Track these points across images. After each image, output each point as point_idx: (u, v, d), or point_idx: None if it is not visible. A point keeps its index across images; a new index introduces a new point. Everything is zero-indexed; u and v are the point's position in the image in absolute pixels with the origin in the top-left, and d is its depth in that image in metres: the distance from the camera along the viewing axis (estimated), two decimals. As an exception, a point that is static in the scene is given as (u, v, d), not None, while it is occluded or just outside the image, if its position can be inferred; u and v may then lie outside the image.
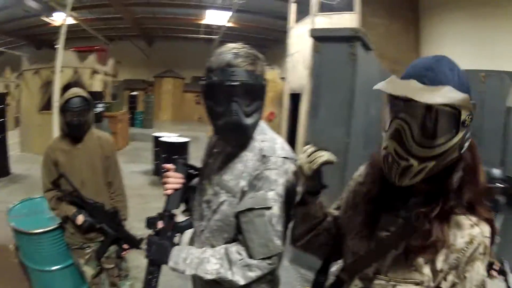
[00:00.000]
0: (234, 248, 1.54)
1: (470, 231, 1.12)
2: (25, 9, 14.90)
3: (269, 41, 20.42)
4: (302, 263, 4.58)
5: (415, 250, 1.15)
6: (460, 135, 1.07)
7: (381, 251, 1.23)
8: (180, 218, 1.76)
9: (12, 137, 11.58)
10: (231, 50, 1.52)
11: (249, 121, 1.54)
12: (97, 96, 11.56)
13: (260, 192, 1.50)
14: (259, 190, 1.51)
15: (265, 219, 1.47)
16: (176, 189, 1.73)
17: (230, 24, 17.41)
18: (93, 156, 3.07)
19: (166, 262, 1.59)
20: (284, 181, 1.52)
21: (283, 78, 11.98)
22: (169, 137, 9.06)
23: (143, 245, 2.16)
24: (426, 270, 1.14)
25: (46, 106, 11.84)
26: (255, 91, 1.55)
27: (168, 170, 1.79)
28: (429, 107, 1.05)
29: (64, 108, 2.88)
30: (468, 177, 1.15)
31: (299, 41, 8.72)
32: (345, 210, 1.49)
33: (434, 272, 1.14)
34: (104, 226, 2.88)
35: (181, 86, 24.23)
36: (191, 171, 1.85)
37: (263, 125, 1.69)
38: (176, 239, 1.67)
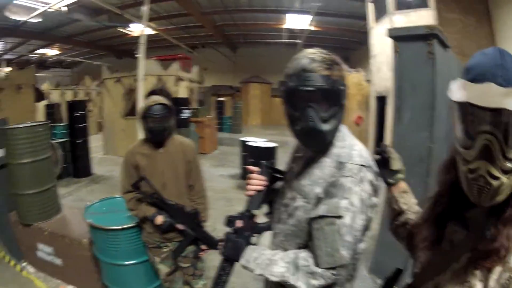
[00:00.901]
0: (303, 254, 1.54)
1: None
2: (98, 21, 15.83)
3: (353, 43, 20.10)
4: (380, 273, 4.50)
5: (477, 256, 1.09)
6: None
7: (443, 264, 1.20)
8: (261, 219, 1.82)
9: (95, 141, 12.64)
10: (307, 55, 1.54)
11: (326, 127, 1.53)
12: (183, 102, 12.23)
13: (333, 200, 1.48)
14: (332, 197, 1.49)
15: (335, 228, 1.45)
16: (258, 191, 1.78)
17: (312, 28, 17.34)
18: (175, 160, 3.21)
19: (238, 260, 1.65)
20: (359, 189, 1.47)
21: (368, 81, 11.78)
22: (256, 141, 9.17)
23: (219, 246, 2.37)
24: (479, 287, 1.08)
25: (130, 112, 12.68)
26: (331, 97, 1.53)
27: (252, 172, 1.83)
28: None
29: (146, 115, 3.05)
30: None
31: (381, 42, 8.54)
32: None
33: None
34: (183, 226, 3.02)
35: (268, 91, 24.38)
36: (276, 174, 1.88)
37: (344, 130, 1.68)
38: (253, 239, 1.73)
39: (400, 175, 1.65)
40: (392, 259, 3.67)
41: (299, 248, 1.62)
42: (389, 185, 1.65)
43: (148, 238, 3.28)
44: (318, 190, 1.55)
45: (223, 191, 8.54)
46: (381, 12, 9.16)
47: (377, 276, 4.51)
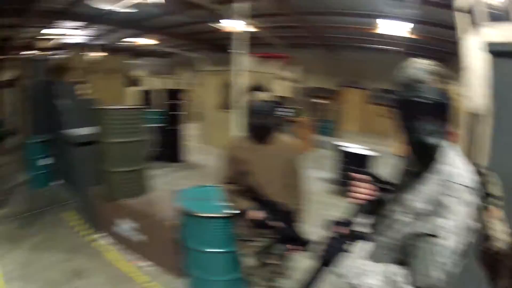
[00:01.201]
0: (396, 269, 1.54)
1: None
2: (193, 15, 16.18)
3: (447, 54, 19.27)
4: None
5: None
6: None
7: None
8: (361, 228, 1.83)
9: (190, 130, 13.01)
10: (420, 66, 1.54)
11: (434, 140, 1.52)
12: (281, 101, 12.44)
13: (437, 219, 1.45)
14: (436, 216, 1.46)
15: (433, 248, 1.43)
16: (363, 199, 1.82)
17: (408, 35, 16.93)
18: (276, 159, 3.24)
19: (331, 264, 1.67)
20: (464, 212, 1.44)
21: (460, 95, 11.34)
22: (354, 147, 8.98)
23: (310, 248, 2.50)
24: None
25: (226, 105, 12.90)
26: (441, 110, 1.52)
27: (361, 180, 1.87)
28: None
29: (251, 111, 3.14)
30: None
31: (474, 55, 8.24)
32: None
33: None
34: (277, 224, 2.95)
35: (365, 97, 23.66)
36: (382, 185, 1.88)
37: (452, 147, 1.63)
38: (349, 247, 1.72)
39: (495, 201, 1.61)
40: (467, 282, 3.51)
41: (394, 262, 1.61)
42: (482, 208, 1.59)
43: (240, 230, 3.38)
44: (422, 206, 1.53)
45: (314, 194, 8.41)
46: (472, 23, 8.81)
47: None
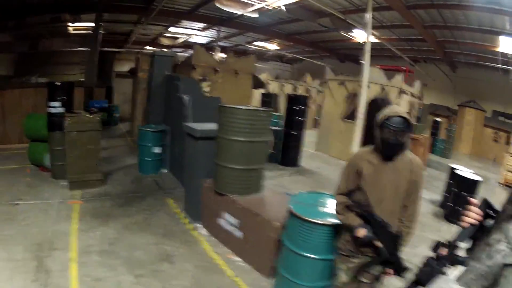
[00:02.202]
0: None
1: None
2: (320, 23, 16.22)
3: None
4: None
5: None
6: None
7: None
8: (462, 253, 1.79)
9: (308, 136, 13.19)
10: None
11: None
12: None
13: None
14: None
15: None
16: (471, 224, 1.77)
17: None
18: (400, 178, 3.06)
19: (426, 285, 1.67)
20: None
21: None
22: (466, 172, 8.71)
23: (406, 275, 2.54)
24: None
25: (350, 115, 13.08)
26: None
27: (472, 204, 1.81)
28: None
29: (383, 125, 2.91)
30: None
31: None
32: None
33: None
34: (381, 245, 2.90)
35: (482, 118, 22.36)
36: (490, 211, 1.81)
37: None
38: (447, 270, 1.72)
39: None
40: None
41: None
42: None
43: (343, 245, 3.29)
44: None
45: (419, 214, 8.22)
46: None
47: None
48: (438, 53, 19.37)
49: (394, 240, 2.88)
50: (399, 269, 2.84)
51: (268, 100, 18.43)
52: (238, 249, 5.43)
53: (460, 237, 1.77)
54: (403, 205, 3.15)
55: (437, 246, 1.79)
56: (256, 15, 14.03)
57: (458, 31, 15.80)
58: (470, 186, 7.95)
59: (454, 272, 1.74)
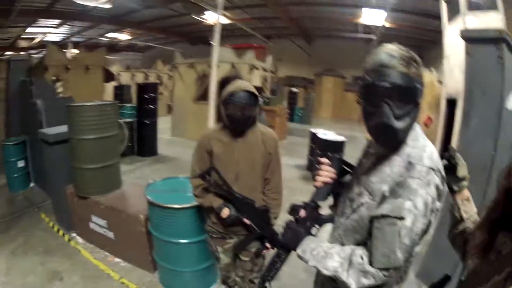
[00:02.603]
0: (359, 251, 1.53)
1: None
2: (172, 8, 16.18)
3: (426, 42, 19.46)
4: (426, 278, 4.31)
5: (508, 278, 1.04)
6: None
7: (486, 274, 1.15)
8: (325, 211, 1.81)
9: (163, 123, 13.02)
10: (386, 51, 1.50)
11: (399, 124, 1.50)
12: (258, 90, 12.34)
13: (397, 200, 1.44)
14: (397, 197, 1.45)
15: (395, 229, 1.41)
16: (326, 183, 1.79)
17: (387, 24, 17.02)
18: (254, 152, 2.98)
19: (295, 248, 1.67)
20: (424, 192, 1.42)
21: (440, 82, 11.39)
22: (326, 134, 9.01)
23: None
24: None
25: (202, 97, 12.93)
26: (408, 94, 1.49)
27: (322, 163, 1.85)
28: None
29: (227, 101, 2.80)
30: None
31: (454, 43, 8.21)
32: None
33: None
34: (249, 222, 2.78)
35: (342, 85, 24.03)
36: (346, 168, 1.87)
37: (418, 130, 1.64)
38: (314, 231, 1.74)
39: (465, 183, 1.60)
40: (442, 265, 3.57)
41: (357, 244, 1.62)
42: (453, 192, 1.59)
43: (212, 228, 3.12)
44: (385, 188, 1.52)
45: (287, 181, 8.40)
46: (454, 12, 8.81)
47: (423, 282, 4.38)
48: (293, 29, 20.28)
49: (261, 215, 2.77)
50: (277, 242, 2.54)
51: (121, 92, 18.05)
52: (115, 250, 5.19)
53: (317, 197, 1.78)
54: (264, 179, 3.08)
55: (293, 209, 1.78)
56: (109, 5, 13.70)
57: (315, 6, 16.31)
58: (332, 146, 8.26)
59: (325, 230, 1.79)
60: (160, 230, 4.00)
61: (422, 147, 1.54)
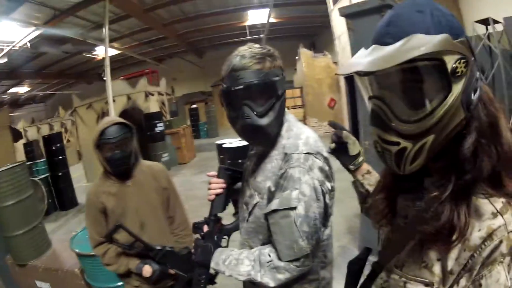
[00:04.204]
0: (266, 250, 1.56)
1: (490, 223, 0.88)
2: (64, 50, 15.87)
3: (317, 28, 20.14)
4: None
5: (425, 237, 0.96)
6: (456, 89, 0.85)
7: (399, 241, 1.08)
8: (230, 221, 1.86)
9: (77, 171, 12.82)
10: (237, 54, 1.56)
11: (264, 121, 1.53)
12: (155, 117, 12.52)
13: (284, 192, 1.48)
14: (284, 190, 1.49)
15: (290, 220, 1.44)
16: (217, 194, 1.81)
17: (273, 20, 17.36)
18: (148, 191, 2.68)
19: (209, 264, 1.66)
20: (308, 178, 1.47)
21: (336, 63, 11.88)
22: (231, 143, 8.80)
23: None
24: (437, 269, 0.95)
25: None
26: (265, 90, 1.53)
27: (209, 176, 1.88)
28: (400, 72, 0.89)
29: (100, 142, 2.47)
30: (485, 140, 0.90)
31: (342, 22, 8.62)
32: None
33: (445, 272, 0.94)
34: (175, 271, 2.39)
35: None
36: (235, 174, 1.89)
37: (291, 119, 1.68)
38: (223, 242, 1.77)
39: (360, 159, 1.52)
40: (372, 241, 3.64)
41: (263, 244, 1.64)
42: (351, 171, 1.52)
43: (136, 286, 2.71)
44: (270, 184, 1.57)
45: (205, 198, 8.44)
46: None
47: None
48: (182, 45, 20.30)
49: (186, 259, 2.35)
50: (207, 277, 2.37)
51: (31, 148, 17.16)
52: None
53: (214, 210, 1.80)
54: (168, 217, 2.81)
55: (196, 227, 1.79)
56: (4, 59, 13.28)
57: (200, 19, 16.43)
58: (239, 153, 7.86)
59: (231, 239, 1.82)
60: (96, 278, 3.94)
61: (296, 136, 1.59)
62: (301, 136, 1.59)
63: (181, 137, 13.58)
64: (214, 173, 1.89)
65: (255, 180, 1.67)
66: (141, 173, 2.68)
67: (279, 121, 1.61)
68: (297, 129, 1.64)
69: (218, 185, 1.82)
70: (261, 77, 1.50)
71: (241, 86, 1.49)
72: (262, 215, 1.58)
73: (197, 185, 9.99)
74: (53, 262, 5.02)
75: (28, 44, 12.58)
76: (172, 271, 2.45)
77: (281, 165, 1.55)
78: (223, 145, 8.84)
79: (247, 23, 18.09)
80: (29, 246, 5.18)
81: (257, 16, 17.02)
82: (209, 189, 1.83)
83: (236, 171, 1.91)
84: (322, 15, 15.11)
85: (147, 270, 2.47)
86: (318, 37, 21.35)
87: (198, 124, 20.44)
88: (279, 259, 1.49)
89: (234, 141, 8.99)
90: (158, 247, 2.43)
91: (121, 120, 2.53)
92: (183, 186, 9.75)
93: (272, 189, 1.55)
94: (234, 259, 1.61)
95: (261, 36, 18.97)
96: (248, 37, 19.95)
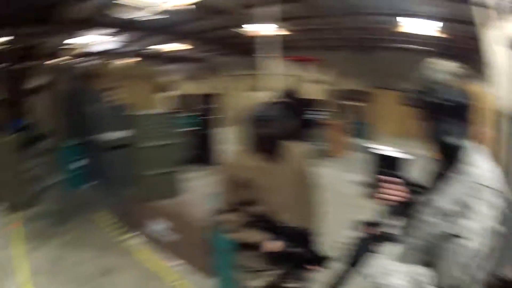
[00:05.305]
0: (423, 270, 1.54)
1: None
2: (227, 19, 16.37)
3: (467, 51, 18.88)
4: None
5: None
6: None
7: None
8: (390, 230, 1.84)
9: (228, 133, 13.04)
10: (439, 67, 1.58)
11: (456, 141, 1.55)
12: (316, 104, 12.63)
13: (461, 220, 1.45)
14: (462, 218, 1.46)
15: (459, 249, 1.43)
16: (394, 201, 1.84)
17: (436, 34, 16.63)
18: (291, 172, 2.72)
19: (357, 264, 1.70)
20: (488, 213, 1.44)
21: (490, 93, 11.31)
22: (387, 150, 8.57)
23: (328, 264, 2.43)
24: None
25: None
26: (462, 111, 1.54)
27: (393, 182, 1.90)
28: None
29: (257, 117, 2.52)
30: None
31: (496, 50, 8.10)
32: None
33: None
34: (295, 249, 2.51)
35: (398, 99, 22.26)
36: (414, 188, 1.88)
37: (477, 147, 1.64)
38: (380, 248, 1.76)
39: None
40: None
41: (420, 263, 1.62)
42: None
43: (250, 263, 2.82)
44: (448, 207, 1.53)
45: (350, 197, 8.35)
46: (494, 18, 8.66)
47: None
48: (348, 40, 20.04)
49: (307, 239, 2.56)
50: (319, 262, 2.55)
51: (180, 101, 18.13)
52: (174, 253, 5.40)
53: (388, 215, 1.83)
54: (301, 201, 2.84)
55: (361, 225, 1.83)
56: (164, 15, 13.94)
57: (367, 16, 16.24)
58: (396, 163, 8.01)
59: (390, 249, 1.78)
60: (223, 238, 3.86)
61: (484, 167, 1.55)
62: (491, 169, 1.55)
63: (336, 131, 13.35)
64: (398, 179, 1.91)
65: (434, 199, 1.63)
66: (288, 153, 2.71)
67: (469, 146, 1.60)
68: (487, 160, 1.60)
69: (399, 193, 1.84)
70: (463, 97, 1.53)
71: (445, 102, 1.52)
72: (434, 235, 1.56)
73: (343, 182, 9.88)
74: (181, 207, 5.37)
75: (192, 6, 13.01)
76: (293, 250, 2.51)
77: (467, 192, 1.50)
78: (378, 150, 8.68)
79: (407, 30, 17.48)
80: (161, 187, 5.58)
81: (415, 26, 16.39)
82: (388, 193, 1.87)
83: (417, 184, 1.89)
84: (473, 38, 14.25)
85: (271, 246, 2.52)
86: (474, 61, 20.15)
87: (353, 123, 19.24)
88: (435, 283, 1.48)
89: (389, 150, 8.91)
90: (286, 225, 2.53)
91: (281, 99, 2.44)
92: (326, 179, 9.76)
93: (452, 213, 1.51)
94: (385, 268, 1.63)
95: (422, 48, 18.48)
96: (408, 46, 19.48)
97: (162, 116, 5.53)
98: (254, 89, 13.47)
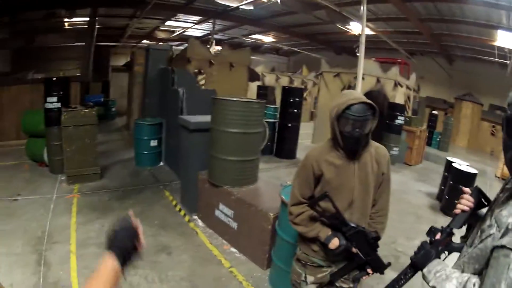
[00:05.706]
0: (474, 279, 1.55)
1: None
2: (316, 15, 16.17)
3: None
4: None
5: None
6: None
7: None
8: (457, 239, 1.89)
9: (304, 128, 13.31)
10: None
11: None
12: (398, 108, 12.40)
13: None
14: None
15: (507, 261, 1.38)
16: (463, 210, 1.85)
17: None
18: (368, 173, 2.67)
19: (423, 268, 1.76)
20: None
21: None
22: (461, 164, 8.68)
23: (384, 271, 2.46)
24: None
25: None
26: None
27: (464, 192, 1.90)
28: None
29: (343, 115, 2.47)
30: None
31: None
32: None
33: None
34: (357, 250, 2.55)
35: (479, 112, 22.25)
36: (483, 200, 1.89)
37: None
38: (443, 255, 1.83)
39: None
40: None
41: (476, 273, 1.61)
42: None
43: (310, 256, 2.83)
44: (511, 220, 1.51)
45: (415, 207, 8.53)
46: None
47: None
48: (434, 46, 19.36)
49: (370, 242, 2.56)
50: (379, 268, 2.60)
51: (264, 92, 18.71)
52: (234, 240, 5.52)
53: (453, 223, 1.86)
54: (373, 199, 2.79)
55: (431, 231, 1.87)
56: (251, 7, 14.01)
57: (454, 24, 15.78)
58: (466, 178, 7.95)
59: (450, 257, 1.83)
60: (287, 231, 4.13)
61: None
62: None
63: (415, 138, 13.35)
64: (469, 190, 1.91)
65: (500, 212, 1.61)
66: (367, 154, 2.67)
67: None
68: None
69: (468, 202, 1.86)
70: None
71: None
72: (491, 246, 1.51)
73: (412, 191, 9.90)
74: (249, 196, 5.34)
75: (278, 0, 12.92)
76: (354, 250, 2.54)
77: None
78: (453, 164, 8.59)
79: (496, 43, 16.84)
80: (235, 174, 5.60)
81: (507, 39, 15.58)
82: (458, 203, 1.88)
83: (487, 198, 1.90)
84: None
85: (334, 243, 2.53)
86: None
87: (432, 132, 19.48)
88: None
89: (463, 164, 8.75)
90: (353, 225, 2.51)
91: (369, 101, 2.51)
92: (398, 186, 9.80)
93: (510, 226, 1.48)
94: (445, 275, 1.65)
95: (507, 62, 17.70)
96: (495, 59, 18.68)
97: (250, 105, 5.55)
98: (344, 87, 13.43)
